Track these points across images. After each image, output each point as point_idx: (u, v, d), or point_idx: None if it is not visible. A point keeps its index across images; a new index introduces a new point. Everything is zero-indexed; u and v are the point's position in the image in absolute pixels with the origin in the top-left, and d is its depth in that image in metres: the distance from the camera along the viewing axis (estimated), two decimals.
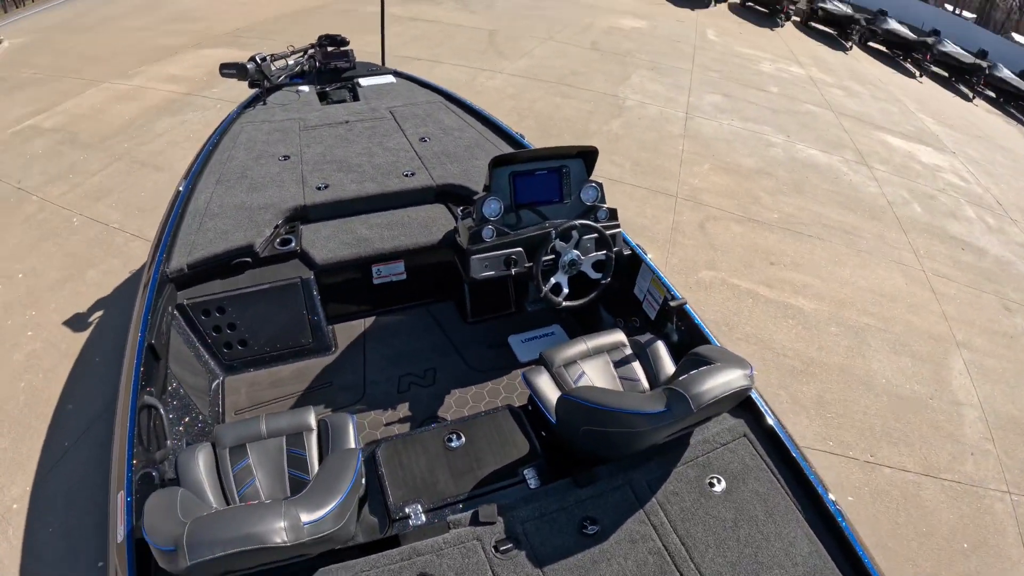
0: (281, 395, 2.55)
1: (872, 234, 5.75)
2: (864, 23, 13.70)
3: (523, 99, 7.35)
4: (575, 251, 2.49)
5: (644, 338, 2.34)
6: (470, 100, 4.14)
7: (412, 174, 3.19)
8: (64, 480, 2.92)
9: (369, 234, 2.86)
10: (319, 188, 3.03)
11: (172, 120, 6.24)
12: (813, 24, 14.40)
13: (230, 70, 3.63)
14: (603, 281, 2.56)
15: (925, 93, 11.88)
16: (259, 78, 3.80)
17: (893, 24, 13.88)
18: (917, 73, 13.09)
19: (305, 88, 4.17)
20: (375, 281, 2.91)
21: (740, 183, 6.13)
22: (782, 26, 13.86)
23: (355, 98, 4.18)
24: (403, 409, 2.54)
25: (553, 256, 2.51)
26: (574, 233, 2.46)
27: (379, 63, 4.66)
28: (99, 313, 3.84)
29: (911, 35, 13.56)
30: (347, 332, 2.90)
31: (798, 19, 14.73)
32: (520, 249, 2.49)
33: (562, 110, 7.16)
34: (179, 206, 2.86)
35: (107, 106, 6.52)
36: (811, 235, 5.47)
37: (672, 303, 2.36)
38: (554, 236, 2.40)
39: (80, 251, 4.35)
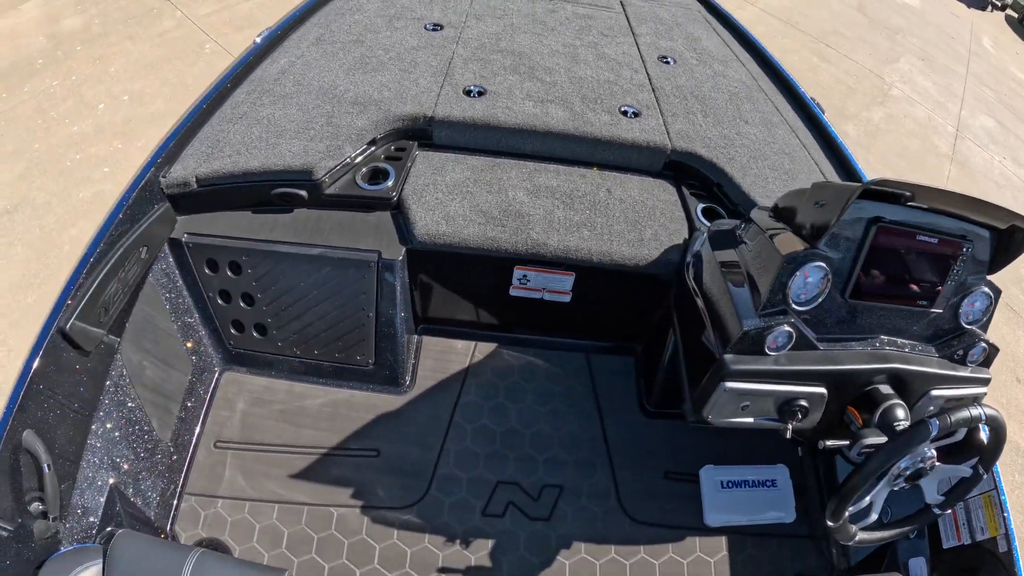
0: (292, 444, 1.57)
1: None
2: None
3: (775, 45, 6.17)
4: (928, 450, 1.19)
5: None
6: None
7: (636, 114, 1.89)
8: None
9: (531, 207, 1.62)
10: (469, 93, 1.83)
11: None
12: None
13: None
14: (937, 512, 1.27)
15: None
16: None
17: None
18: None
19: None
20: (512, 292, 1.71)
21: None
22: None
23: None
24: (481, 554, 1.44)
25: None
26: (960, 431, 1.14)
27: None
28: None
29: None
30: (439, 356, 1.77)
31: None
32: (822, 390, 1.19)
33: (818, 74, 6.00)
34: (237, 67, 1.82)
35: None
36: None
37: None
38: (934, 430, 1.04)
39: (198, 83, 3.74)
